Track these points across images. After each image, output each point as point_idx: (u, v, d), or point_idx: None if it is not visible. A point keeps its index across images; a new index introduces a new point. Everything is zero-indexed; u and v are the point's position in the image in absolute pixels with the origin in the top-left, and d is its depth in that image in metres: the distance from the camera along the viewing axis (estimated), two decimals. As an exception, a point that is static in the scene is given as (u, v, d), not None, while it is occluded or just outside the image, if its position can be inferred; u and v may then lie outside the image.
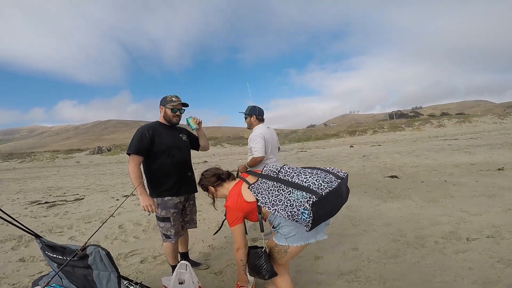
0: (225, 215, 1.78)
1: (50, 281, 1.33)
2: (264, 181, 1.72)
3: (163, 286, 2.12)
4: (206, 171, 2.07)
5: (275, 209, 1.55)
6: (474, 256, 2.52)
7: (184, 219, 2.51)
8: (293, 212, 1.45)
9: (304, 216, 1.41)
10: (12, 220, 1.40)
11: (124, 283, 1.64)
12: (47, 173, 18.32)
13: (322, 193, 1.42)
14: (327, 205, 1.45)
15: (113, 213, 1.82)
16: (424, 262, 2.48)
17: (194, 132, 2.62)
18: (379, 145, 19.21)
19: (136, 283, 1.72)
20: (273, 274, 1.74)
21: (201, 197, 5.95)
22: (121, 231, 3.99)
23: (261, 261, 1.73)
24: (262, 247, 1.77)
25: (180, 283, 1.97)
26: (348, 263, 2.58)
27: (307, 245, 1.69)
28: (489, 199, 4.22)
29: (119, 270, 1.36)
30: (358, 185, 6.36)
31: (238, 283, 1.98)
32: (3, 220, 1.39)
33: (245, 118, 3.07)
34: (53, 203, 6.48)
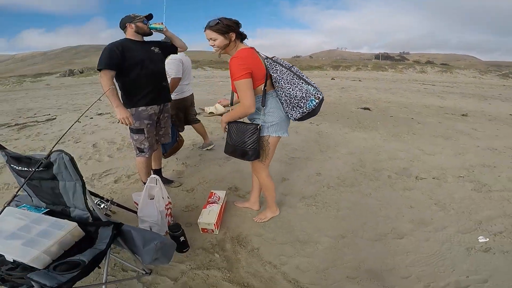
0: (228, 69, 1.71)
1: (14, 197, 1.30)
2: (275, 64, 1.80)
3: (134, 202, 2.20)
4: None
5: (288, 86, 1.74)
6: (417, 195, 2.72)
7: (158, 132, 2.55)
8: (301, 97, 1.72)
9: (311, 104, 1.72)
10: None
11: (95, 200, 1.64)
12: (14, 96, 16.98)
13: (323, 96, 1.75)
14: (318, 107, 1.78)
15: (79, 118, 1.78)
16: (375, 195, 2.73)
17: (165, 40, 2.56)
18: (360, 80, 19.38)
19: (107, 200, 1.77)
20: (258, 156, 1.87)
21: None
22: (95, 150, 4.04)
23: (253, 138, 1.81)
24: (258, 124, 1.83)
25: (151, 198, 2.06)
26: (310, 187, 2.87)
27: (279, 139, 1.95)
28: (446, 140, 4.58)
29: (82, 177, 1.32)
30: (332, 113, 6.68)
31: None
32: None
33: None
34: (24, 124, 6.24)
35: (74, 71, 38.99)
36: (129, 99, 2.27)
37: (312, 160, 3.60)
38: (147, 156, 2.42)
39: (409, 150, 4.04)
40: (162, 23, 2.34)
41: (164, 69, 2.50)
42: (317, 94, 1.73)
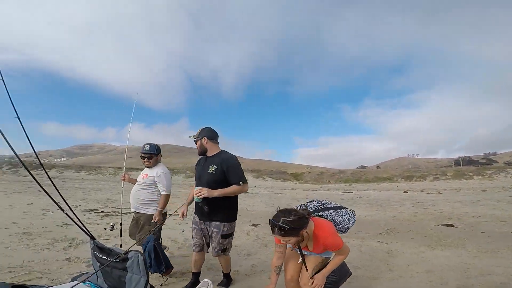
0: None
1: (89, 277, 1.50)
2: (321, 213, 2.16)
3: None
4: (288, 213, 1.76)
5: (346, 225, 2.20)
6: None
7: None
8: (347, 223, 2.19)
9: (352, 223, 2.21)
10: (77, 221, 1.64)
11: None
12: (108, 186, 20.38)
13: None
14: None
15: (152, 231, 2.00)
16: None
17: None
18: (439, 192, 17.16)
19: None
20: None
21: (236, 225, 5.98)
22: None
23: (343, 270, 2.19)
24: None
25: None
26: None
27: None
28: None
29: (149, 276, 1.49)
30: (405, 231, 5.81)
31: None
32: (64, 223, 1.64)
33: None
34: (107, 213, 7.14)
35: (158, 170, 45.69)
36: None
37: (378, 279, 3.04)
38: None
39: (510, 265, 3.20)
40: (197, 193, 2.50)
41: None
42: (352, 212, 2.25)
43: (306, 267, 2.02)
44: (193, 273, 2.82)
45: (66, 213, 1.91)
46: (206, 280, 2.08)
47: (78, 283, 1.40)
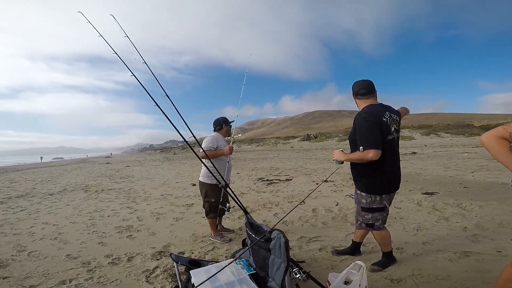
0: None
1: (240, 254, 1.70)
2: None
3: (327, 281, 2.01)
4: None
5: None
6: None
7: None
8: None
9: None
10: (235, 198, 1.92)
11: (294, 269, 1.74)
12: (271, 155, 23.59)
13: None
14: None
15: (303, 199, 2.02)
16: None
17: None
18: None
19: (305, 272, 1.78)
20: None
21: (402, 193, 5.24)
22: (313, 215, 4.34)
23: None
24: None
25: (346, 282, 1.84)
26: None
27: None
28: None
29: (289, 261, 1.48)
30: None
31: None
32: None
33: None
34: (271, 181, 8.21)
35: (310, 135, 47.96)
36: None
37: None
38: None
39: None
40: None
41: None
42: None
43: None
44: (353, 241, 2.76)
45: (225, 190, 2.27)
46: (358, 262, 1.89)
47: (232, 261, 1.62)
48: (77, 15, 2.72)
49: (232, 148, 3.42)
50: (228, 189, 2.74)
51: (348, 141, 2.48)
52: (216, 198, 3.34)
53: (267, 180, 8.52)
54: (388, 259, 2.47)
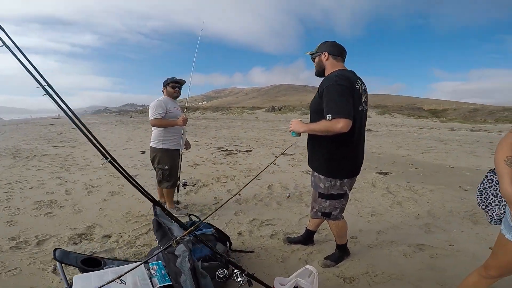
0: None
1: (149, 258, 1.24)
2: None
3: (273, 286, 1.70)
4: None
5: None
6: None
7: None
8: None
9: None
10: (140, 188, 1.33)
11: (235, 271, 1.44)
12: (235, 124, 23.05)
13: None
14: None
15: (258, 175, 1.58)
16: None
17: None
18: None
19: (247, 274, 1.44)
20: None
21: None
22: (268, 193, 4.06)
23: None
24: None
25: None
26: None
27: None
28: None
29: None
30: None
31: None
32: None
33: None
34: (230, 151, 7.78)
35: (275, 107, 48.22)
36: None
37: None
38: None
39: None
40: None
41: None
42: None
43: None
44: (306, 229, 2.47)
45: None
46: (309, 267, 1.56)
47: (139, 264, 1.15)
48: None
49: (186, 119, 3.00)
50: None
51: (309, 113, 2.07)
52: (170, 165, 3.06)
53: (226, 150, 8.06)
54: (342, 253, 2.22)
